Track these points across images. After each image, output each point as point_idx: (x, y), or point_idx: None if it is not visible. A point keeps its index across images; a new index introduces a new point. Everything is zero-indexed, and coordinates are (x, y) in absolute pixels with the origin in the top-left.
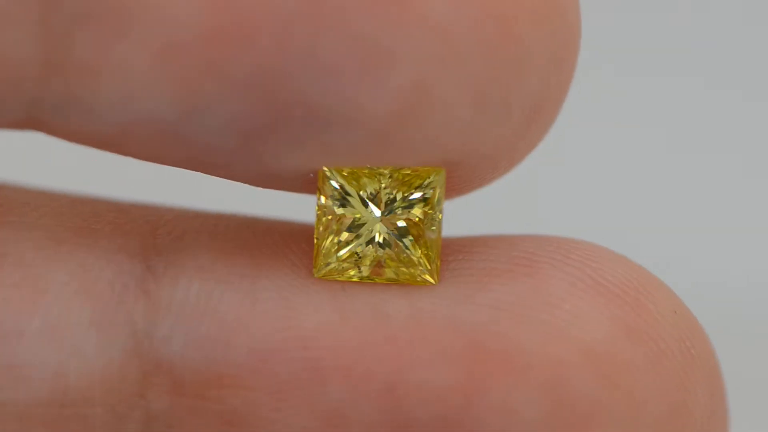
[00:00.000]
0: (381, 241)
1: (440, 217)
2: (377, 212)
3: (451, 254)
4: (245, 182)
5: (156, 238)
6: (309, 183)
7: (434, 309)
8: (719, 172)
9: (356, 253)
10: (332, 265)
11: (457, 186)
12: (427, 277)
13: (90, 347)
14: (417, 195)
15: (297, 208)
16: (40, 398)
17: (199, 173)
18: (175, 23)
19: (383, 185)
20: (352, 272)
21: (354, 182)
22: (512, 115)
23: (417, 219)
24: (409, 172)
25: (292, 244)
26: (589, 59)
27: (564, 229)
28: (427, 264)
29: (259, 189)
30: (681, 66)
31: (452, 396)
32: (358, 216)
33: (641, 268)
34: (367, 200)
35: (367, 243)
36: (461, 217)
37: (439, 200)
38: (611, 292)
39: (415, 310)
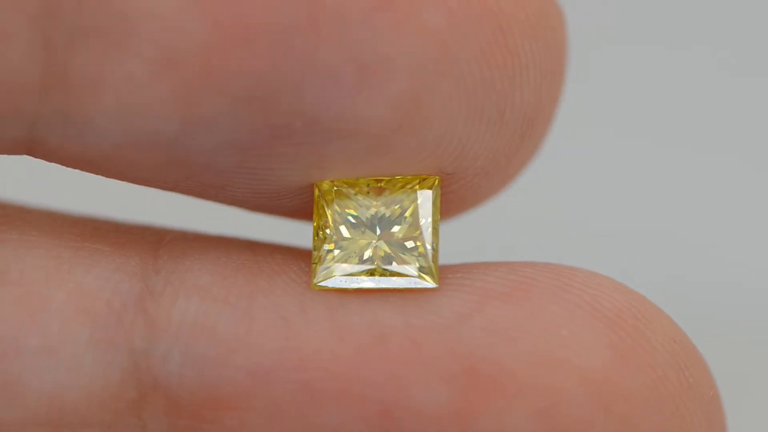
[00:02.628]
0: (378, 259)
1: (437, 229)
2: (374, 231)
3: (450, 273)
4: (241, 205)
5: (155, 258)
6: (303, 206)
7: (431, 329)
8: (717, 180)
9: (353, 274)
10: (329, 284)
11: (453, 204)
12: (428, 281)
13: (87, 366)
14: (412, 210)
15: (295, 233)
16: (37, 417)
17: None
18: (175, 37)
19: (377, 203)
20: (349, 289)
21: (348, 202)
22: (506, 126)
23: (413, 234)
24: (404, 181)
25: (291, 264)
26: (584, 74)
27: (563, 244)
28: (426, 268)
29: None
30: (680, 68)
31: (446, 420)
32: (354, 236)
33: (641, 296)
34: (363, 219)
35: (365, 261)
36: (458, 240)
37: (434, 210)
38: (609, 319)
39: (412, 330)
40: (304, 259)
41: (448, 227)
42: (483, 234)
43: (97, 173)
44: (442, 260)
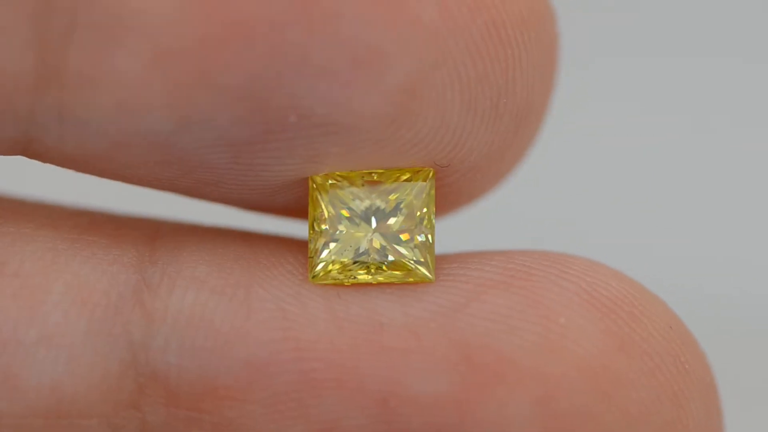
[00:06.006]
0: (374, 251)
1: (432, 221)
2: (369, 223)
3: (446, 263)
4: (235, 203)
5: (151, 250)
6: (297, 202)
7: (429, 318)
8: (716, 175)
9: (350, 267)
10: (327, 278)
11: (449, 199)
12: (424, 273)
13: (86, 358)
14: (407, 202)
15: (290, 224)
16: (36, 409)
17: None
18: (168, 32)
19: (372, 195)
20: (347, 283)
21: (343, 194)
22: (501, 118)
23: (409, 225)
24: (398, 172)
25: (288, 255)
26: (578, 70)
27: (559, 241)
28: (423, 261)
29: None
30: (680, 65)
31: (445, 409)
32: (350, 229)
33: (637, 283)
34: (358, 212)
35: (361, 254)
36: (453, 236)
37: (429, 201)
38: (606, 306)
39: (409, 319)
40: (300, 249)
41: (443, 224)
42: (479, 231)
43: (92, 173)
44: (439, 253)
